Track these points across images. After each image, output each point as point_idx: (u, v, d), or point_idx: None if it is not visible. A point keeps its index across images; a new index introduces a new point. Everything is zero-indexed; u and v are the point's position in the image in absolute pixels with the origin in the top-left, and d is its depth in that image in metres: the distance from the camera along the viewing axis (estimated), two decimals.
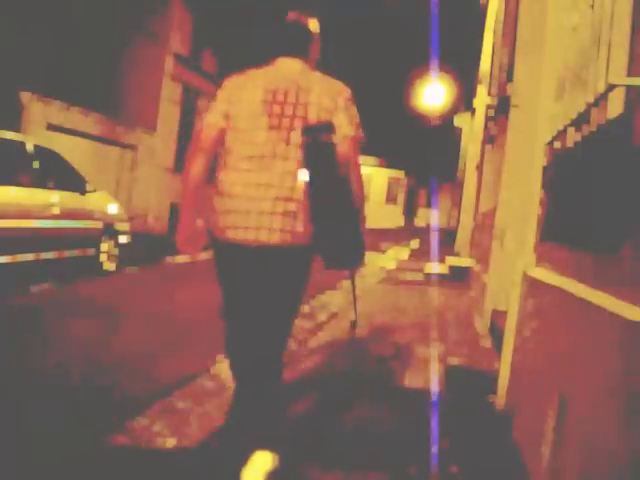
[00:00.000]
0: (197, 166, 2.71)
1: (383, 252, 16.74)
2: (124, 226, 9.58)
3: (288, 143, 2.57)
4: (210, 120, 2.70)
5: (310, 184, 2.50)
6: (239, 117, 2.65)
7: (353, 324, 3.07)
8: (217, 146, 2.70)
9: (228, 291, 2.73)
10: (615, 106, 2.25)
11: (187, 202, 2.77)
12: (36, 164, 7.66)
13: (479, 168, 12.18)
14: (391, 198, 38.82)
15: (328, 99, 2.63)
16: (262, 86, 2.67)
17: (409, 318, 6.99)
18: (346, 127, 2.60)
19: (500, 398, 3.83)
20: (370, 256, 14.94)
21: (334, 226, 2.53)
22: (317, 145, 2.51)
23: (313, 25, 2.86)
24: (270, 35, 2.92)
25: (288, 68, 2.74)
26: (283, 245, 2.53)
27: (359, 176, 2.67)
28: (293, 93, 2.63)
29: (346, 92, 2.71)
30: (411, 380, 4.48)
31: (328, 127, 2.54)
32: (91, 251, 8.66)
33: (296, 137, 2.56)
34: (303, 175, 2.52)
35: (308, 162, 2.51)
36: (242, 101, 2.66)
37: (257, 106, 2.63)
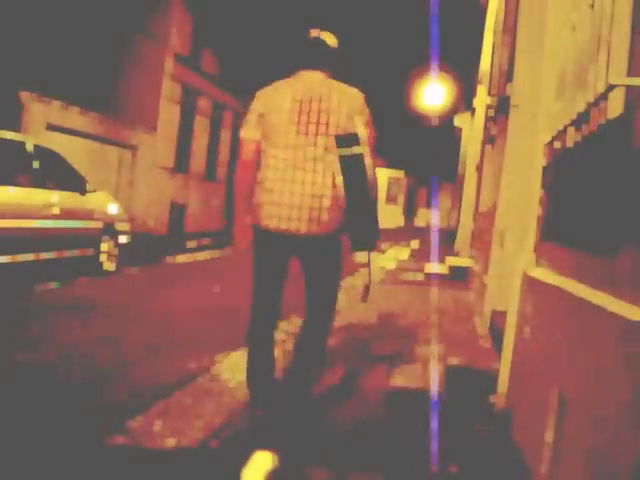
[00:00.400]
0: (244, 175, 3.21)
1: (383, 252, 16.73)
2: (124, 226, 9.58)
3: (316, 146, 3.07)
4: (247, 135, 3.18)
5: (345, 187, 3.01)
6: (272, 125, 3.11)
7: (366, 289, 3.51)
8: (258, 155, 3.18)
9: (263, 273, 3.31)
10: (615, 106, 2.25)
11: (239, 205, 3.26)
12: (36, 164, 7.66)
13: (479, 168, 12.18)
14: (391, 198, 38.80)
15: (346, 106, 3.11)
16: (290, 97, 3.12)
17: (409, 318, 6.99)
18: (362, 128, 3.07)
19: (500, 398, 3.83)
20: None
21: (362, 217, 3.08)
22: (350, 156, 2.99)
23: (331, 40, 3.29)
24: (293, 50, 3.32)
25: (311, 80, 3.18)
26: (314, 234, 3.08)
27: (373, 166, 3.07)
28: (316, 102, 3.10)
29: (360, 97, 3.19)
30: (411, 380, 4.48)
31: (355, 137, 3.01)
32: (91, 251, 8.66)
33: (322, 141, 3.07)
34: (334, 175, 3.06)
35: (343, 169, 3.00)
36: (273, 111, 3.11)
37: (286, 115, 3.09)
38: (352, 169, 2.99)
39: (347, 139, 2.99)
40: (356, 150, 2.98)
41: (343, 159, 2.99)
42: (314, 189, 3.05)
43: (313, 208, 3.05)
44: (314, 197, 3.05)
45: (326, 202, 3.06)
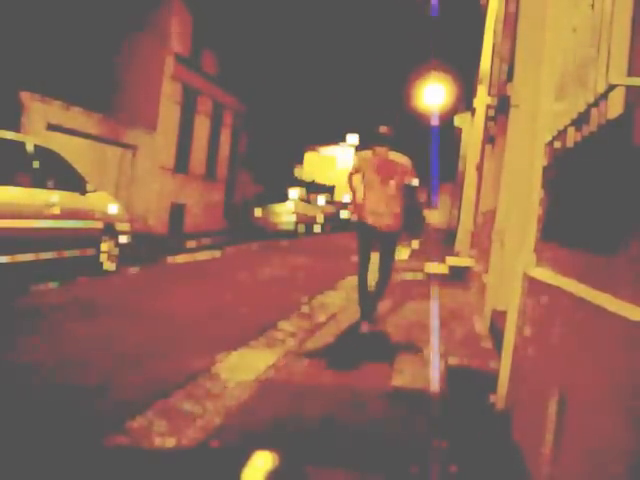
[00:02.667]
0: (354, 194, 6.23)
1: None
2: (124, 226, 9.57)
3: (388, 188, 6.00)
4: (354, 180, 6.16)
5: (406, 207, 6.10)
6: (366, 176, 6.05)
7: (412, 252, 7.91)
8: (355, 186, 6.20)
9: (362, 246, 6.15)
10: (615, 106, 2.25)
11: (354, 203, 6.29)
12: (36, 164, 7.66)
13: (479, 168, 12.17)
14: None
15: (401, 167, 6.06)
16: (373, 162, 6.05)
17: (409, 318, 6.99)
18: (411, 178, 6.06)
19: (500, 398, 3.83)
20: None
21: (413, 222, 6.30)
22: (413, 199, 6.17)
23: (390, 131, 6.10)
24: (371, 137, 6.14)
25: (381, 152, 6.04)
26: (388, 229, 6.04)
27: (419, 196, 6.24)
28: (386, 164, 6.01)
29: (408, 161, 6.12)
30: (411, 380, 4.48)
31: (414, 188, 6.12)
32: (91, 251, 8.65)
33: (390, 186, 6.00)
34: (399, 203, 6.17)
35: (407, 201, 6.12)
36: (365, 168, 6.06)
37: (373, 170, 6.02)
38: (409, 201, 6.13)
39: (409, 187, 6.06)
40: (408, 194, 6.11)
41: (407, 198, 6.10)
42: (387, 208, 6.00)
43: (387, 217, 6.00)
44: (387, 212, 6.00)
45: (393, 215, 6.02)
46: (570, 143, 2.81)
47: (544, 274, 3.07)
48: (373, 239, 6.10)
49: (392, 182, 5.95)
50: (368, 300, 6.15)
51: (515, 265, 3.85)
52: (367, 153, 6.09)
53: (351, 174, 6.20)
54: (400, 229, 6.08)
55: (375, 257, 6.21)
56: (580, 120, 2.62)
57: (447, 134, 26.10)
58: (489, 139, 10.21)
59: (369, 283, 6.20)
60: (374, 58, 32.71)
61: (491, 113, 9.82)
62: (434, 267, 11.71)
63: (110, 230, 9.08)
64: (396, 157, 6.04)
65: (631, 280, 1.91)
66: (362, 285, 6.17)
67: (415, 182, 6.01)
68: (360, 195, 6.11)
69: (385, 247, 6.17)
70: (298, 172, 33.98)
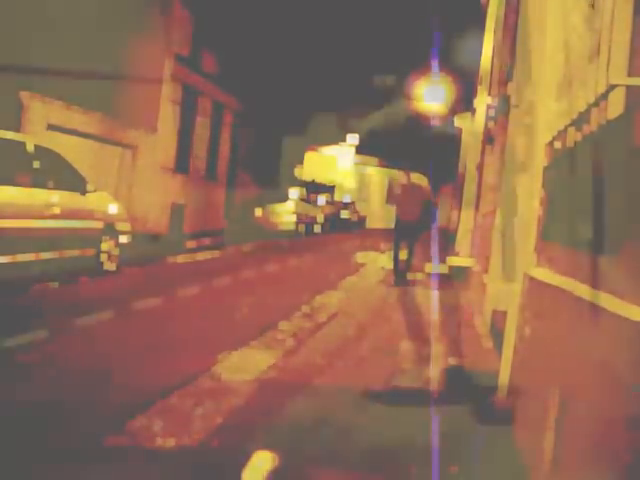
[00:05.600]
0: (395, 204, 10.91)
1: (383, 252, 16.73)
2: (124, 226, 9.57)
3: (415, 201, 10.22)
4: (394, 195, 11.99)
5: (425, 211, 10.36)
6: (400, 194, 10.61)
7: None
8: (396, 200, 10.94)
9: (397, 234, 10.40)
10: (615, 106, 2.25)
11: (397, 211, 10.68)
12: (36, 164, 7.66)
13: (479, 168, 12.18)
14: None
15: (423, 187, 10.77)
16: (403, 183, 10.62)
17: (409, 317, 6.99)
18: (429, 195, 10.80)
19: (500, 398, 3.83)
20: (370, 256, 14.94)
21: (428, 219, 10.88)
22: (429, 206, 10.58)
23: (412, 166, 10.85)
24: (402, 171, 10.93)
25: (407, 176, 10.59)
26: (412, 222, 10.19)
27: (434, 205, 12.79)
28: (411, 186, 10.42)
29: (426, 182, 11.90)
30: (411, 380, 4.48)
31: (432, 203, 11.07)
32: (91, 251, 8.65)
33: (416, 200, 10.21)
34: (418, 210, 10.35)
35: (425, 208, 10.44)
36: (399, 188, 10.77)
37: (403, 191, 10.48)
38: (425, 207, 10.23)
39: (427, 202, 10.40)
40: (425, 203, 10.30)
41: (426, 206, 10.24)
42: (414, 211, 10.05)
43: (411, 216, 10.03)
44: (412, 213, 10.01)
45: (415, 215, 10.03)
46: (570, 143, 2.81)
47: (544, 274, 3.07)
48: (403, 229, 10.06)
49: (414, 197, 9.98)
50: (400, 267, 10.02)
51: (515, 265, 3.85)
52: (401, 175, 10.59)
53: (395, 197, 10.64)
54: (419, 223, 10.09)
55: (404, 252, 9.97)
56: (580, 120, 2.63)
57: (447, 134, 26.09)
58: (489, 139, 10.22)
59: (400, 254, 10.14)
60: (374, 58, 32.69)
61: (491, 113, 9.82)
62: (434, 267, 11.71)
63: (110, 230, 9.07)
64: (418, 180, 10.38)
65: (631, 280, 1.91)
66: (396, 258, 10.10)
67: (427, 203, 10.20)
68: (396, 204, 10.44)
69: (411, 234, 10.14)
70: (298, 172, 33.96)
